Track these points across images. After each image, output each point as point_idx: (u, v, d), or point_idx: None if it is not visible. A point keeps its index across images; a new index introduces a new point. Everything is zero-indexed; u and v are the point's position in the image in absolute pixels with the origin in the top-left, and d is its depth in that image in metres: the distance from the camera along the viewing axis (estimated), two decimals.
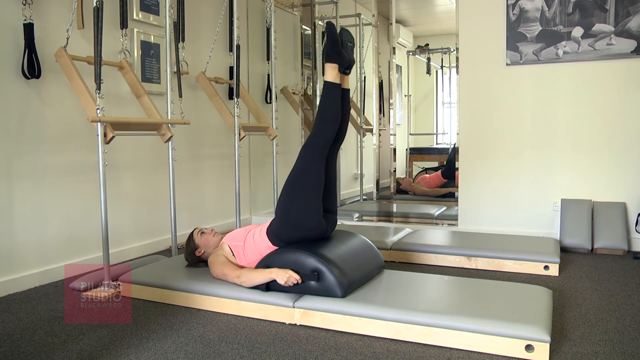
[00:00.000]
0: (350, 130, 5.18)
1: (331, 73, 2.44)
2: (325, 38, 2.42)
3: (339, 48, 2.42)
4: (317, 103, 4.91)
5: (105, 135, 2.67)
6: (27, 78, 2.85)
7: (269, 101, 4.71)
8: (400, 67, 5.00)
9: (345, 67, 2.44)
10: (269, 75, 4.54)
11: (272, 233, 2.50)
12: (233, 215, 4.28)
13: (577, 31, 3.73)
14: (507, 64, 3.93)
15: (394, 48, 4.76)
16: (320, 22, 5.02)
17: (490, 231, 3.94)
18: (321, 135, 2.44)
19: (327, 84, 2.44)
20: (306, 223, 2.45)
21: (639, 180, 3.67)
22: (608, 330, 2.18)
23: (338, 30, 2.47)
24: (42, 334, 2.21)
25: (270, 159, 4.28)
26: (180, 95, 3.34)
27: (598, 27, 3.68)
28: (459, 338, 2.01)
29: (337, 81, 2.44)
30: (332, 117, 2.44)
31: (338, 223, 2.86)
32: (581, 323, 2.27)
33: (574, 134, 3.80)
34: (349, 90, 2.55)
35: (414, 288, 2.45)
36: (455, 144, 4.19)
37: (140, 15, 3.58)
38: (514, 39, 3.89)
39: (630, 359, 1.93)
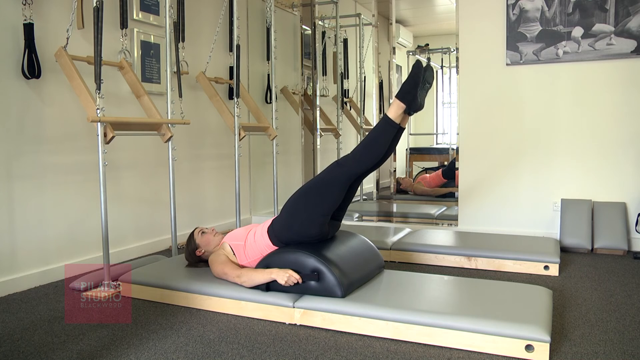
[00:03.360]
0: (350, 129, 5.21)
1: (396, 111, 2.38)
2: (409, 73, 2.37)
3: (416, 92, 2.35)
4: (317, 103, 4.93)
5: (105, 135, 2.67)
6: (27, 78, 2.85)
7: (269, 101, 4.71)
8: (400, 67, 5.00)
9: (412, 110, 2.39)
10: (269, 75, 4.54)
11: (273, 233, 2.50)
12: (233, 215, 4.28)
13: (577, 31, 3.73)
14: (507, 64, 3.93)
15: (394, 48, 4.76)
16: (320, 22, 5.02)
17: (490, 231, 3.94)
18: (358, 163, 2.41)
19: (385, 119, 2.39)
20: (308, 232, 2.45)
21: (639, 180, 3.67)
22: (608, 330, 2.18)
23: (424, 66, 2.38)
24: (42, 334, 2.21)
25: (270, 159, 4.28)
26: (180, 95, 3.34)
27: (598, 27, 3.68)
28: (459, 338, 2.01)
29: (398, 121, 2.39)
30: (376, 152, 2.40)
31: None
32: (581, 323, 2.27)
33: (574, 134, 3.80)
34: (404, 129, 2.50)
35: (414, 288, 2.45)
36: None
37: (140, 15, 3.58)
38: (514, 39, 3.89)
39: (630, 359, 1.93)
